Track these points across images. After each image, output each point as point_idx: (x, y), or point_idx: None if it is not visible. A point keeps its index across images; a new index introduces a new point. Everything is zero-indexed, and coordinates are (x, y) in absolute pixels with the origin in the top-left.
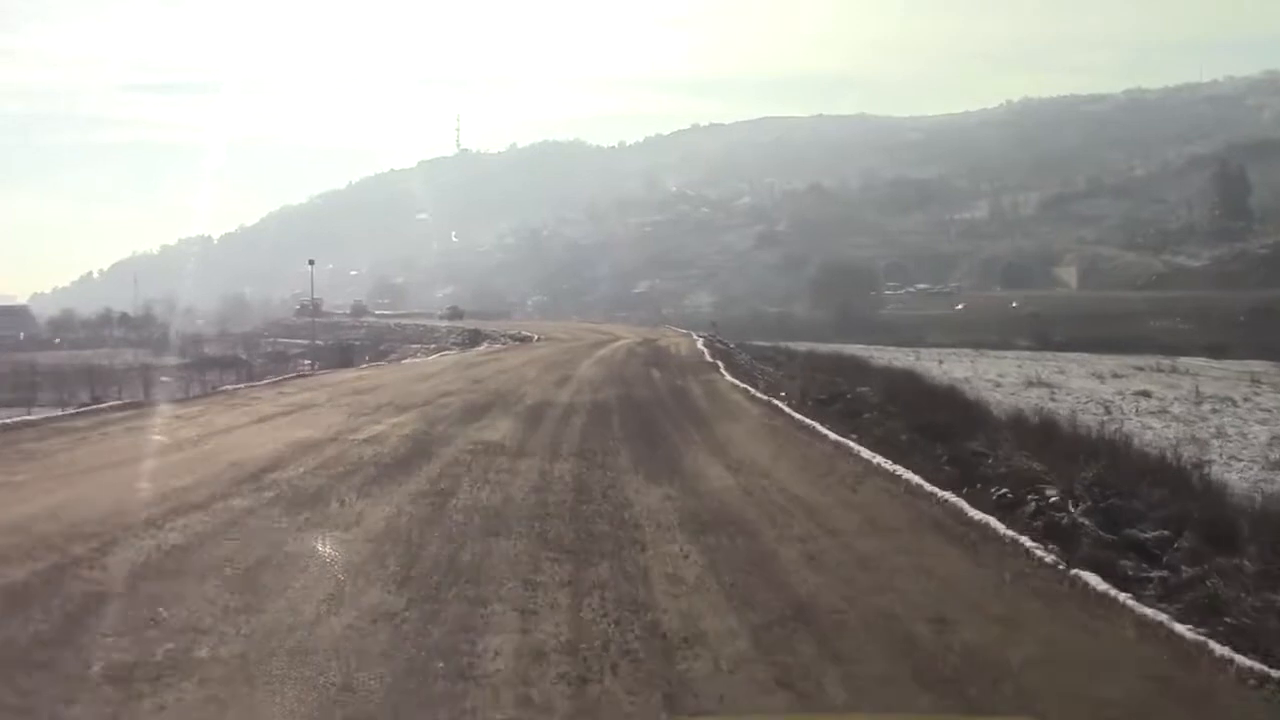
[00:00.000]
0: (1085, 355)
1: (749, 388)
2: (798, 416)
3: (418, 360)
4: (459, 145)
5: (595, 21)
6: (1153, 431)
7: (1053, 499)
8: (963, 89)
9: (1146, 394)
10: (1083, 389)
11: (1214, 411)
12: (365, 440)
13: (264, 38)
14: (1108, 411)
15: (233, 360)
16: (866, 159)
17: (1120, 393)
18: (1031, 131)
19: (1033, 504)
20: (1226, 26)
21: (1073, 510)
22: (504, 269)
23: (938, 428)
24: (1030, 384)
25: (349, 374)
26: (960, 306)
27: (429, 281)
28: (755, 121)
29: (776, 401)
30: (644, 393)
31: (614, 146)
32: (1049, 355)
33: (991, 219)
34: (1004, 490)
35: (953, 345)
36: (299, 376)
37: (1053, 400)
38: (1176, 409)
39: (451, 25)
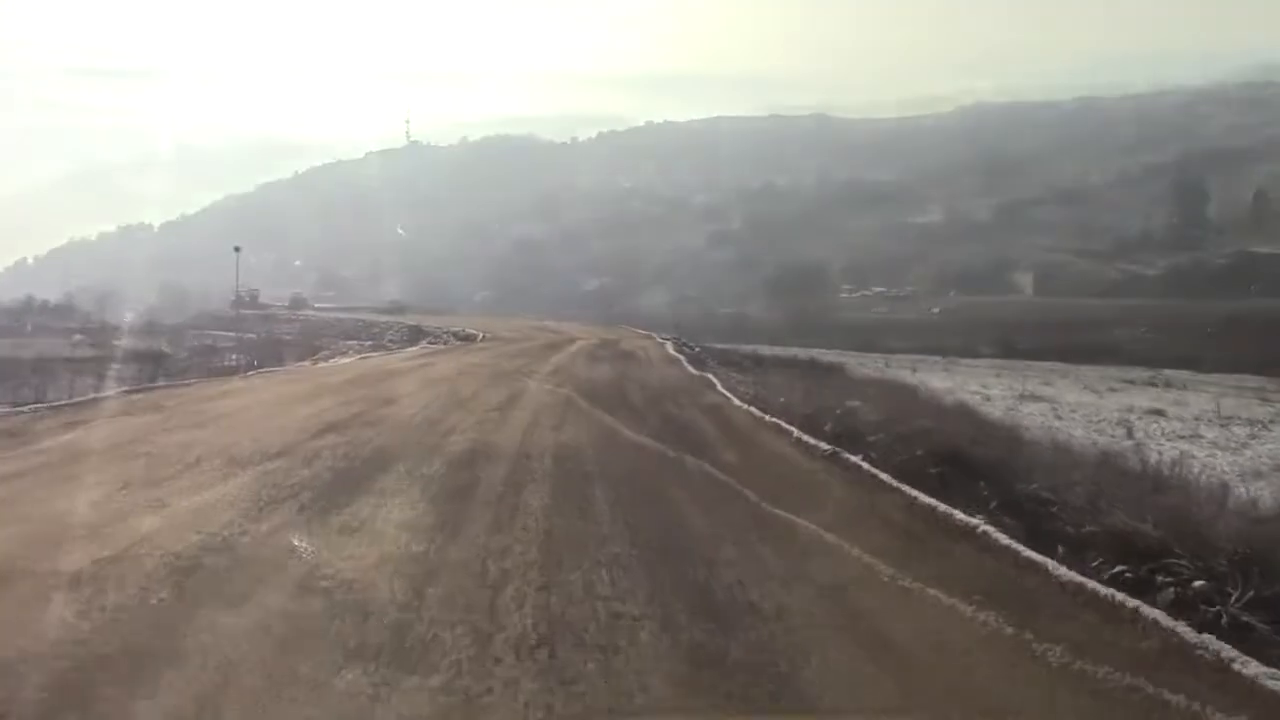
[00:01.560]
0: (1059, 365)
1: (780, 421)
2: (920, 497)
3: (334, 364)
4: (409, 137)
5: (548, 18)
6: (1198, 461)
7: (1195, 583)
8: (916, 93)
9: (1160, 413)
10: (1083, 405)
11: (1252, 437)
12: (52, 592)
13: (211, 24)
14: (1130, 434)
15: (154, 354)
16: (821, 159)
17: (1129, 410)
18: (985, 136)
19: (1170, 590)
20: (1175, 38)
21: (1228, 601)
22: (452, 263)
23: (969, 459)
24: (1023, 398)
25: (213, 388)
26: (884, 309)
27: (375, 274)
28: (709, 120)
29: (855, 459)
30: (633, 430)
31: (566, 142)
32: (1021, 364)
33: (946, 223)
34: (1120, 567)
35: (915, 351)
36: (137, 391)
37: (1058, 418)
38: (1207, 432)
39: (404, 16)
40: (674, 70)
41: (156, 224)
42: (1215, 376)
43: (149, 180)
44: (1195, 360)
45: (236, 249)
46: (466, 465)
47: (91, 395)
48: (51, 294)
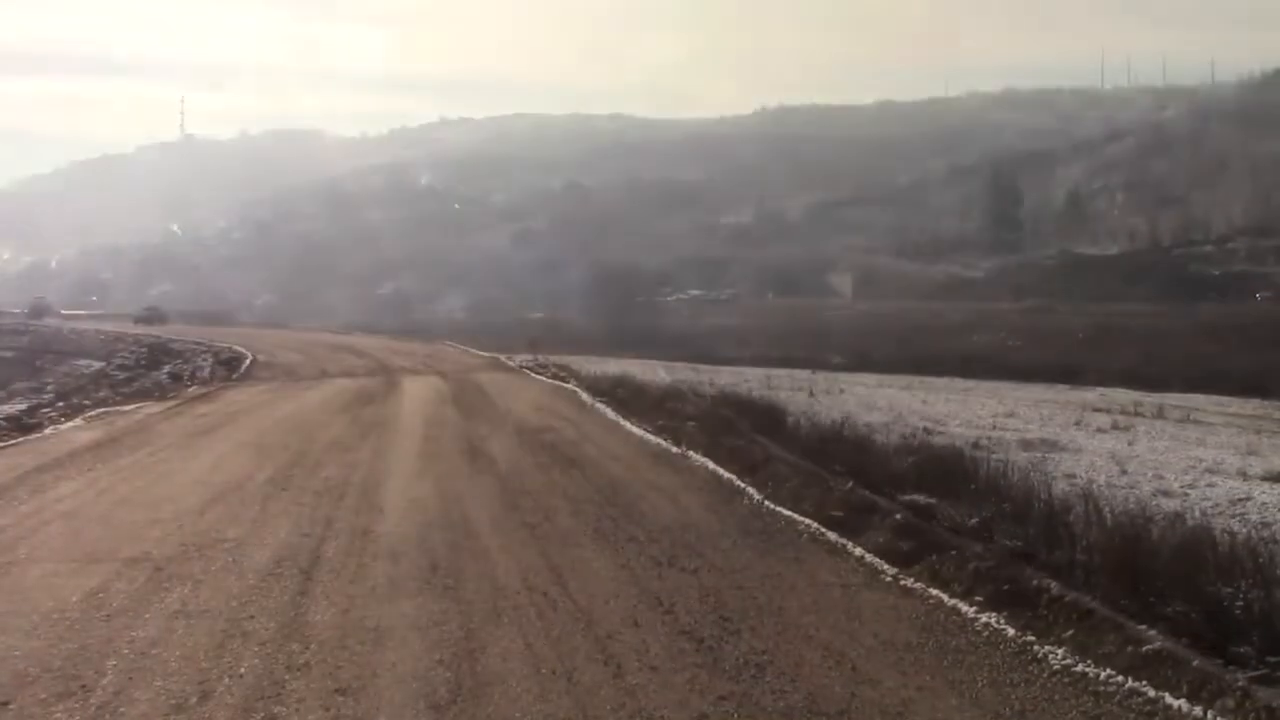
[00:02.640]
0: (945, 379)
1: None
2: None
3: None
4: (184, 131)
5: (333, 14)
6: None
7: None
8: (713, 97)
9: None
10: (1052, 438)
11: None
12: None
13: None
14: (1165, 491)
15: None
16: (624, 159)
17: (1125, 442)
18: (789, 138)
19: None
20: (967, 48)
21: None
22: (231, 265)
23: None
24: (996, 429)
25: None
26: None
27: (144, 277)
28: (508, 117)
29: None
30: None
31: (356, 138)
32: (902, 379)
33: (759, 224)
34: None
35: (762, 363)
36: None
37: (1053, 452)
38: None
39: (180, 6)
40: (465, 74)
41: None
42: (1145, 394)
43: None
44: (1077, 371)
45: None
46: None
47: None
48: None
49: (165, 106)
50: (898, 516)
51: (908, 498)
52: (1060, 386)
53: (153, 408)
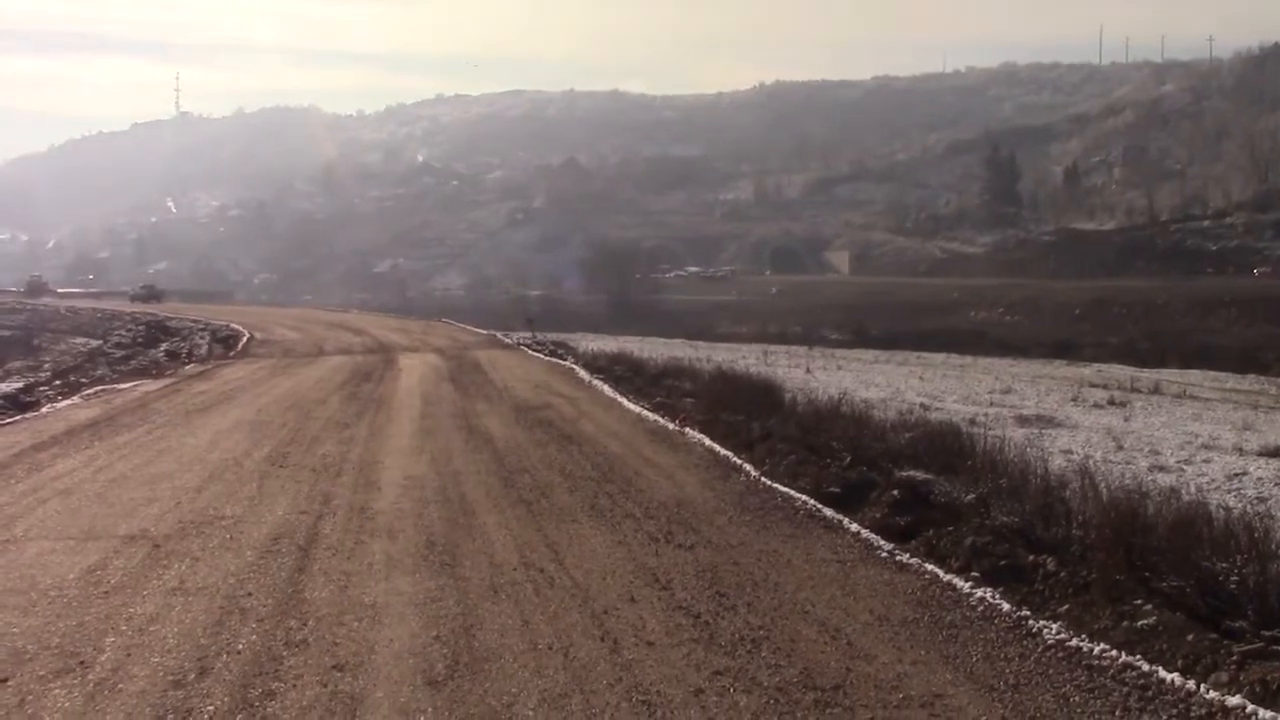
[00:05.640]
0: (942, 355)
1: None
2: None
3: None
4: (179, 108)
5: None
6: None
7: None
8: (711, 73)
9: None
10: (1049, 414)
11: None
12: None
13: None
14: (1161, 467)
15: None
16: (622, 136)
17: (1122, 418)
18: (787, 114)
19: None
20: (965, 24)
21: None
22: (227, 243)
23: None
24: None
25: None
26: (710, 290)
27: (140, 256)
28: (504, 94)
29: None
30: None
31: (352, 115)
32: (899, 355)
33: (756, 200)
34: None
35: (759, 339)
36: None
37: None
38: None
39: None
40: (461, 52)
41: None
42: (1144, 371)
43: None
44: (1074, 347)
45: None
46: None
47: None
48: None
49: (160, 84)
50: (894, 493)
51: (905, 474)
52: (1057, 362)
53: (150, 385)
